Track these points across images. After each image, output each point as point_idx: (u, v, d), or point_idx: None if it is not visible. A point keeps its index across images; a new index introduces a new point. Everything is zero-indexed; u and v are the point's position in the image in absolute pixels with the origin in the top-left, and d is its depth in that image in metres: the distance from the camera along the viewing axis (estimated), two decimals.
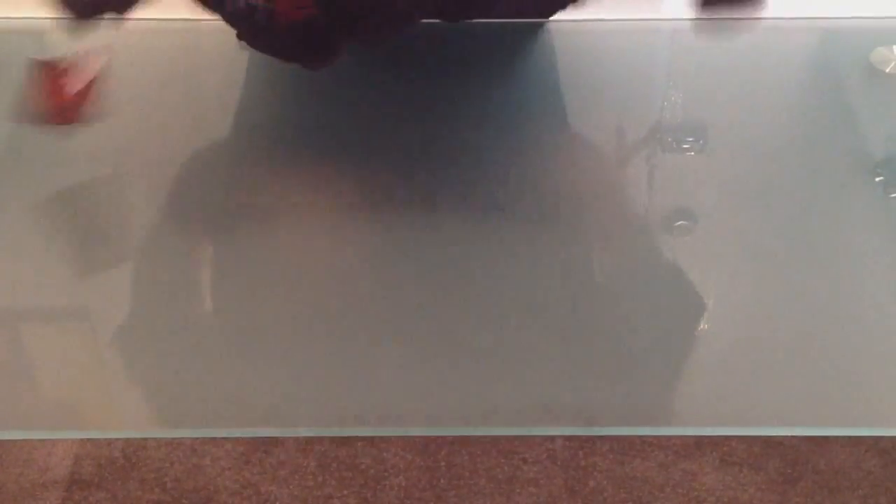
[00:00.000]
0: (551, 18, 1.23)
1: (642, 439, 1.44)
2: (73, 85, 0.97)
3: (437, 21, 1.08)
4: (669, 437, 1.32)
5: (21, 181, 1.05)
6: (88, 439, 1.64)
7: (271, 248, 0.97)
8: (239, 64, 1.18)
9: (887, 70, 1.18)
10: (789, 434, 1.42)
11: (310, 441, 1.30)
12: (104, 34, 1.23)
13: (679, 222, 0.98)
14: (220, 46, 1.20)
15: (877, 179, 1.05)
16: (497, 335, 0.87)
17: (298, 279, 0.92)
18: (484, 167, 1.05)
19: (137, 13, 1.22)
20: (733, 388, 0.81)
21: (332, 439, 1.40)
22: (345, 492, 1.61)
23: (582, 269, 0.93)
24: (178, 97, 1.16)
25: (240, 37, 0.95)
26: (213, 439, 1.40)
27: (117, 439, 0.80)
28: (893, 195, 1.03)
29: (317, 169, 1.05)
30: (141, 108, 1.14)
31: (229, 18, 0.92)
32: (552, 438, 1.54)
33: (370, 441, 1.49)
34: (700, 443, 0.79)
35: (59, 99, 0.96)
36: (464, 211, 1.00)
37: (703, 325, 0.87)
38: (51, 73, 0.97)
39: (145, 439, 1.33)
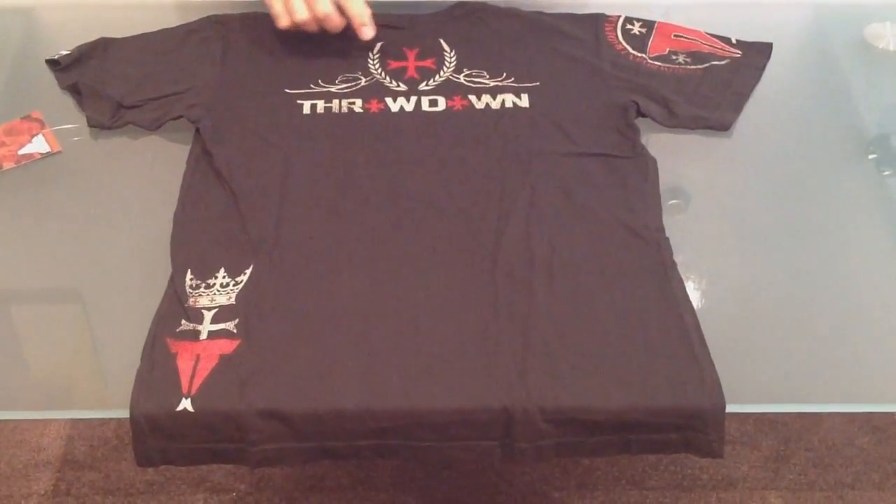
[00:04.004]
0: None
1: None
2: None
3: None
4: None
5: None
6: (81, 420, 1.65)
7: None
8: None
9: (881, 46, 1.17)
10: (782, 411, 1.43)
11: None
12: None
13: (672, 201, 0.98)
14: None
15: (870, 157, 1.04)
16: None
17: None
18: None
19: None
20: (725, 365, 0.81)
21: None
22: (338, 472, 1.62)
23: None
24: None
25: None
26: None
27: (110, 420, 0.79)
28: (886, 173, 1.03)
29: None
30: None
31: None
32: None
33: None
34: None
35: None
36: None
37: (693, 303, 0.87)
38: None
39: None
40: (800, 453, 1.62)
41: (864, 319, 0.89)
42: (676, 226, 0.94)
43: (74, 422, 1.64)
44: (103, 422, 1.61)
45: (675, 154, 1.02)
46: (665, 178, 0.98)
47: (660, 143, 1.02)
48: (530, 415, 0.79)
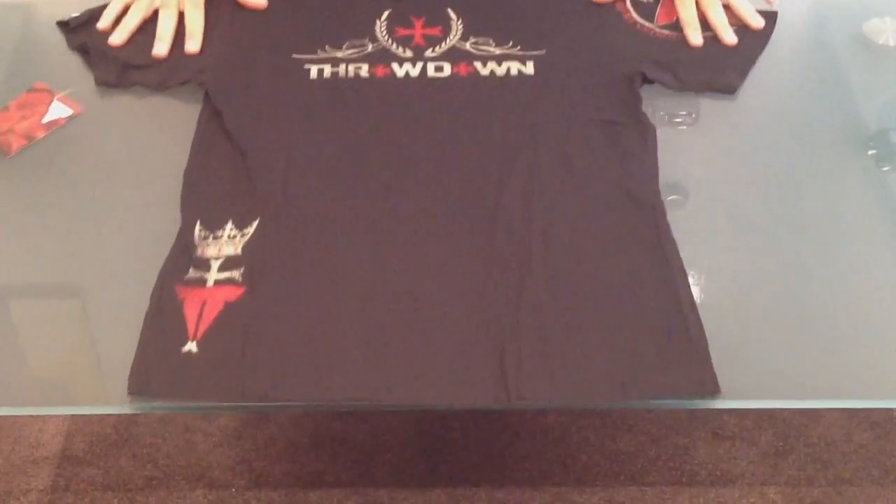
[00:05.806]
0: None
1: (634, 413, 1.45)
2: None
3: None
4: (661, 412, 1.32)
5: (10, 160, 1.04)
6: (80, 415, 1.65)
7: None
8: None
9: (880, 41, 1.17)
10: (781, 407, 1.43)
11: (303, 416, 1.30)
12: None
13: (671, 196, 0.98)
14: None
15: (869, 153, 1.04)
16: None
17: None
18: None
19: None
20: (724, 361, 0.81)
21: (326, 414, 1.40)
22: (337, 467, 1.62)
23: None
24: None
25: None
26: (206, 416, 1.40)
27: (109, 415, 0.79)
28: (885, 168, 1.03)
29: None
30: None
31: None
32: (545, 413, 1.54)
33: (364, 416, 1.49)
34: (692, 416, 0.79)
35: None
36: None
37: (693, 298, 0.87)
38: None
39: (137, 415, 1.33)
40: (799, 449, 1.62)
41: (863, 315, 0.89)
42: (676, 221, 0.94)
43: (73, 417, 1.64)
44: (102, 417, 1.61)
45: (674, 150, 1.02)
46: (665, 174, 0.98)
47: (659, 138, 1.02)
48: (523, 361, 0.81)
